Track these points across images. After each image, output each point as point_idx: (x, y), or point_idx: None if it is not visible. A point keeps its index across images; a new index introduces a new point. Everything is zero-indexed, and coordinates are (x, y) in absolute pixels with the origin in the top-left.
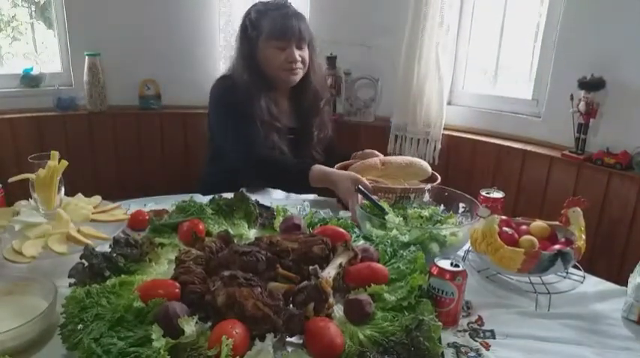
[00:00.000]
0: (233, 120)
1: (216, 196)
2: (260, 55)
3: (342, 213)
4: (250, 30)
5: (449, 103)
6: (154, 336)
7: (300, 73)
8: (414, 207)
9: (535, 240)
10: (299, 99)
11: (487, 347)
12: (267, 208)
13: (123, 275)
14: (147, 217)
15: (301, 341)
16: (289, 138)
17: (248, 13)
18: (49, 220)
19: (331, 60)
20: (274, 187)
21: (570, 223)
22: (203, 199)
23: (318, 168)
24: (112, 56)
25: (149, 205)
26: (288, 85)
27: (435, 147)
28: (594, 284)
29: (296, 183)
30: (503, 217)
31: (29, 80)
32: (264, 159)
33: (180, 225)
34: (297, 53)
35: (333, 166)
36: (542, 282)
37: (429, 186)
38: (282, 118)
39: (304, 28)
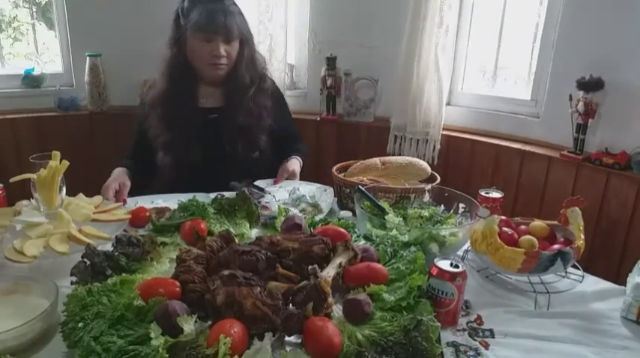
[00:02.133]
0: None
1: (219, 196)
2: (188, 44)
3: (343, 213)
4: (182, 18)
5: (448, 104)
6: (152, 335)
7: (224, 69)
8: (414, 207)
9: (535, 240)
10: (228, 89)
11: (486, 346)
12: (261, 189)
13: (124, 274)
14: (148, 214)
15: (300, 341)
16: (210, 118)
17: (182, 0)
18: (51, 220)
19: (331, 60)
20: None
21: (569, 223)
22: (206, 198)
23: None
24: (113, 56)
25: (155, 202)
26: (213, 79)
27: (434, 147)
28: (593, 283)
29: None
30: (503, 217)
31: (30, 80)
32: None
33: (183, 224)
34: (222, 48)
35: (281, 157)
36: (542, 282)
37: (429, 186)
38: (206, 100)
39: (234, 24)
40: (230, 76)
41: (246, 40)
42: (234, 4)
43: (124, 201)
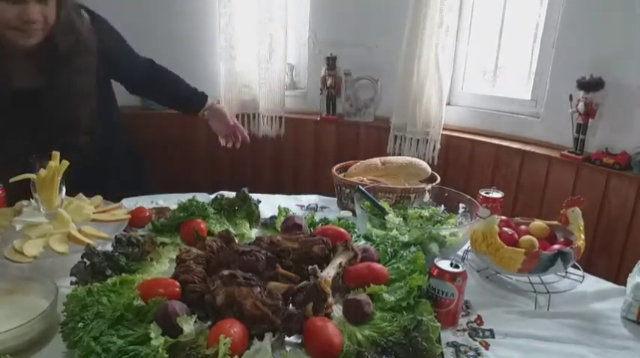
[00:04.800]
0: None
1: (218, 196)
2: None
3: (343, 213)
4: None
5: (448, 104)
6: (152, 335)
7: (38, 35)
8: (414, 207)
9: (535, 240)
10: (42, 59)
11: (486, 346)
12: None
13: (124, 274)
14: (147, 214)
15: (300, 341)
16: (33, 100)
17: None
18: (50, 220)
19: (331, 60)
20: None
21: (569, 223)
22: (206, 198)
23: None
24: None
25: (155, 202)
26: (23, 47)
27: (434, 147)
28: (593, 283)
29: None
30: (503, 217)
31: None
32: None
33: (183, 224)
34: (36, 10)
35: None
36: (542, 282)
37: (429, 186)
38: (22, 78)
39: None
40: (46, 45)
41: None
42: None
43: None
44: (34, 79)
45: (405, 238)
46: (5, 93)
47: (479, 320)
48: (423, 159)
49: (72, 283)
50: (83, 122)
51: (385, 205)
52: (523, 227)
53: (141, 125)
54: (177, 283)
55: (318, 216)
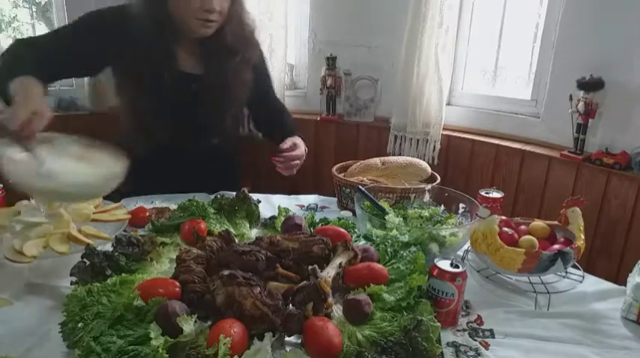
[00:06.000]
0: None
1: (219, 196)
2: None
3: (343, 213)
4: None
5: (448, 104)
6: (152, 335)
7: (214, 26)
8: (414, 208)
9: (535, 240)
10: (208, 48)
11: (486, 346)
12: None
13: (124, 274)
14: (147, 214)
15: (300, 341)
16: (191, 86)
17: None
18: (50, 220)
19: (331, 60)
20: None
21: (569, 223)
22: (206, 198)
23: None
24: None
25: (155, 202)
26: (199, 36)
27: (434, 147)
28: (593, 283)
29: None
30: (503, 217)
31: None
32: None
33: (183, 224)
34: (215, 2)
35: (276, 139)
36: (542, 282)
37: (429, 186)
38: (185, 64)
39: None
40: (213, 37)
41: None
42: None
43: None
44: (196, 67)
45: (405, 238)
46: (168, 75)
47: (479, 320)
48: (423, 159)
49: (72, 283)
50: (227, 121)
51: (385, 205)
52: (523, 227)
53: None
54: (177, 283)
55: (318, 216)
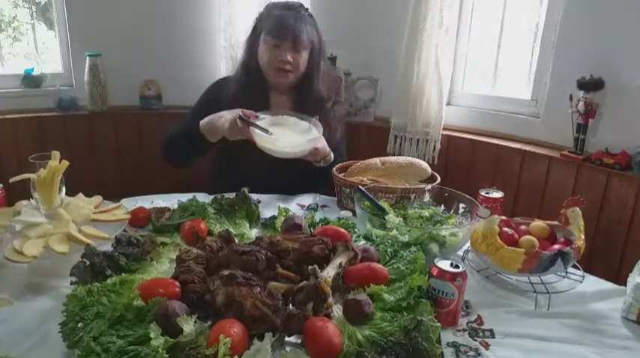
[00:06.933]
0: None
1: (218, 196)
2: (259, 49)
3: (343, 213)
4: (257, 25)
5: (448, 104)
6: (152, 335)
7: (289, 76)
8: (415, 207)
9: (535, 240)
10: (300, 100)
11: (486, 346)
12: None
13: (124, 274)
14: (147, 214)
15: (300, 341)
16: None
17: (261, 10)
18: (50, 220)
19: (331, 60)
20: (181, 156)
21: (569, 223)
22: (206, 199)
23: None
24: (113, 56)
25: (155, 202)
26: (279, 85)
27: (434, 147)
28: (593, 283)
29: (194, 140)
30: (503, 217)
31: (30, 80)
32: (169, 135)
33: (183, 224)
34: (289, 54)
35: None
36: (542, 282)
37: (429, 186)
38: (275, 108)
39: (304, 32)
40: (300, 86)
41: (316, 52)
42: (310, 15)
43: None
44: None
45: (405, 238)
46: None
47: (479, 320)
48: (423, 159)
49: (72, 283)
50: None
51: (385, 205)
52: (523, 227)
53: (141, 124)
54: (177, 283)
55: (318, 216)
